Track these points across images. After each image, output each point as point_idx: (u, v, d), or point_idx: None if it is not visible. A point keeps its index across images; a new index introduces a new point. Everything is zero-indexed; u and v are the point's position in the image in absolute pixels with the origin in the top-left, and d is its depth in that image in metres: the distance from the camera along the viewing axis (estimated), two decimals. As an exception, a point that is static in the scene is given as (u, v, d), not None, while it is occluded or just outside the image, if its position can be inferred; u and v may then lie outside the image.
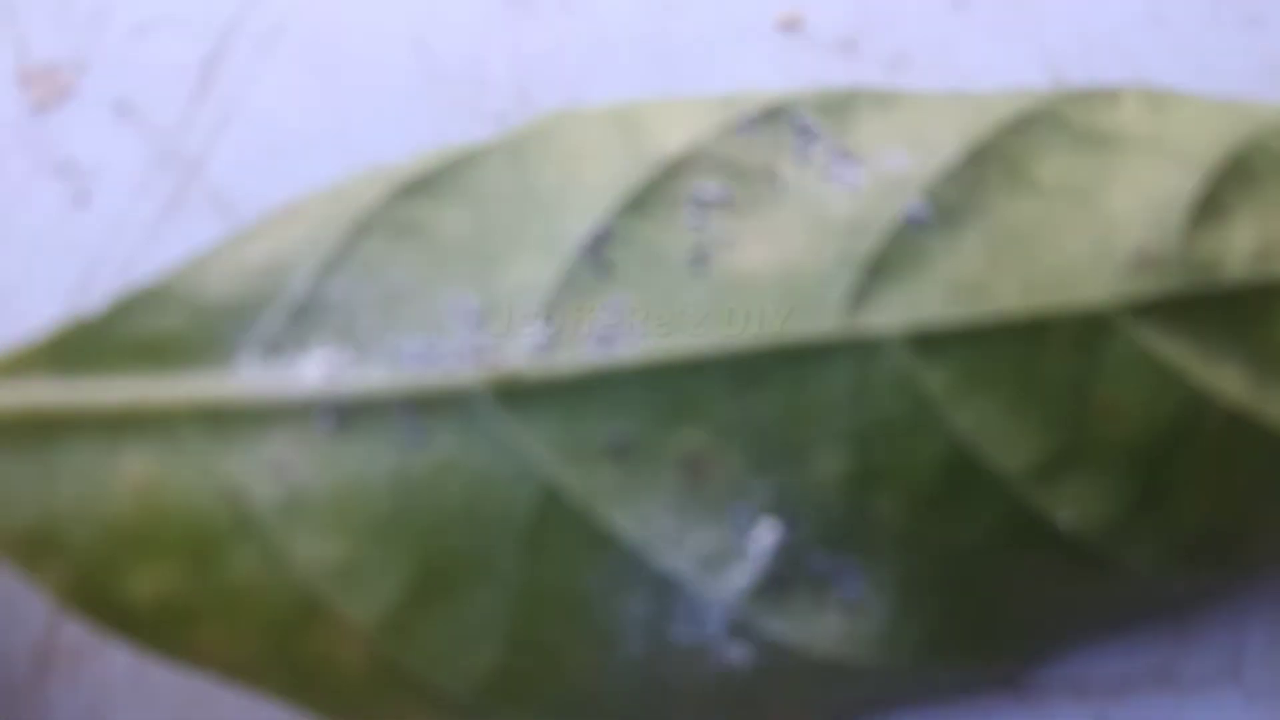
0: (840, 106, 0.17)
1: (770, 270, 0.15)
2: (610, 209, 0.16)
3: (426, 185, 0.16)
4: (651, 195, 0.16)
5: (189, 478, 0.15)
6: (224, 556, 0.15)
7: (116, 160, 0.19)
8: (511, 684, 0.15)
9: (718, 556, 0.15)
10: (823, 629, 0.15)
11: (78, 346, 0.15)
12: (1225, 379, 0.15)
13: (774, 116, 0.16)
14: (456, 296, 0.15)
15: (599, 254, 0.16)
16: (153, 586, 0.14)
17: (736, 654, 0.15)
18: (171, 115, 0.19)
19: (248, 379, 0.15)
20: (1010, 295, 0.15)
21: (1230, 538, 0.16)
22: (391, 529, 0.15)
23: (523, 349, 0.15)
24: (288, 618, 0.15)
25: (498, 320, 0.15)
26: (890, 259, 0.15)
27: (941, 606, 0.16)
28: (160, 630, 0.15)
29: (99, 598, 0.14)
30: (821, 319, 0.15)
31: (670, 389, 0.15)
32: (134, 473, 0.14)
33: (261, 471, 0.15)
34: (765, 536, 0.15)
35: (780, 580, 0.15)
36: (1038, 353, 0.15)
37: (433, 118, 0.20)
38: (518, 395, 0.15)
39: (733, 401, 0.15)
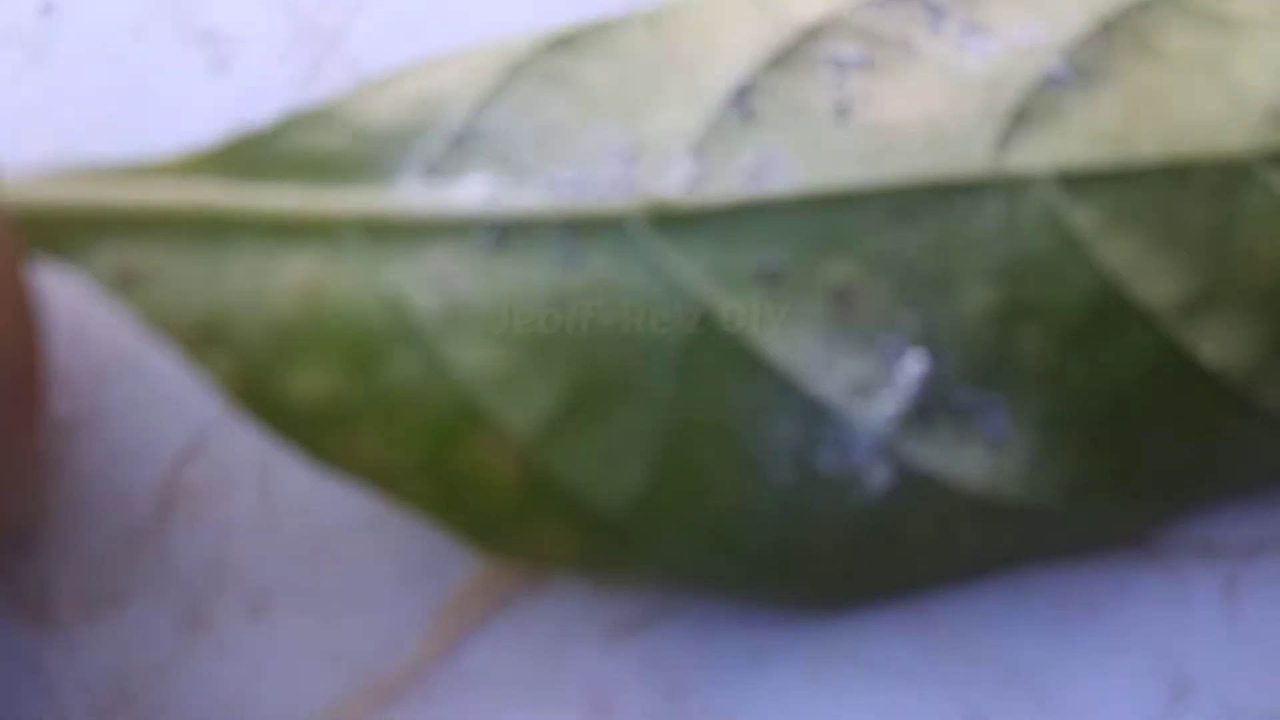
0: None
1: (914, 120, 0.16)
2: (752, 65, 0.16)
3: (572, 42, 0.16)
4: (791, 55, 0.16)
5: (351, 283, 0.15)
6: (384, 360, 0.15)
7: (257, 30, 0.19)
8: (659, 504, 0.15)
9: (866, 384, 0.15)
10: (967, 462, 0.15)
11: (244, 156, 0.15)
12: None
13: None
14: (607, 135, 0.16)
15: (744, 103, 0.16)
16: (314, 386, 0.15)
17: (881, 481, 0.15)
18: None
19: (409, 195, 0.15)
20: (1151, 145, 0.16)
21: None
22: (548, 342, 0.15)
23: (674, 181, 0.15)
24: (445, 423, 0.15)
25: (649, 156, 0.16)
26: (1032, 111, 0.16)
27: (1085, 446, 0.16)
28: (319, 431, 0.15)
29: (262, 393, 0.15)
30: (970, 159, 0.16)
31: (820, 221, 0.15)
32: (298, 275, 0.15)
33: (422, 281, 0.15)
34: (912, 366, 0.15)
35: (926, 411, 0.15)
36: (1179, 197, 0.16)
37: None
38: (670, 221, 0.15)
39: (883, 234, 0.15)
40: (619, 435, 0.15)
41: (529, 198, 0.15)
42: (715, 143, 0.16)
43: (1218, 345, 0.16)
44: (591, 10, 0.20)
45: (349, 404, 0.15)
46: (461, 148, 0.16)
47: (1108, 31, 0.17)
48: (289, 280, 0.15)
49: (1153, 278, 0.15)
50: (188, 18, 0.19)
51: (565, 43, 0.16)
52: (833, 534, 0.16)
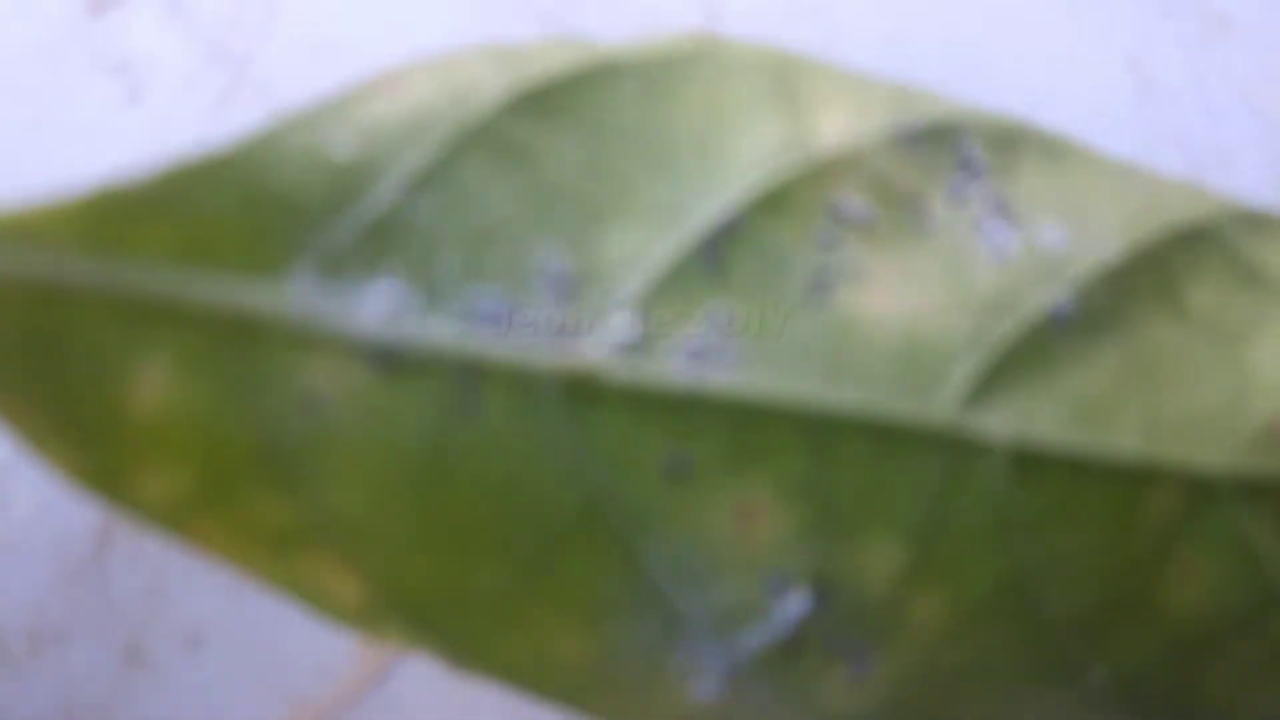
0: (1009, 143, 0.15)
1: (893, 324, 0.14)
2: (747, 195, 0.14)
3: (547, 98, 0.14)
4: (793, 193, 0.14)
5: (214, 394, 0.13)
6: (238, 477, 0.13)
7: (168, 58, 0.19)
8: (499, 652, 0.14)
9: (741, 612, 0.14)
10: (817, 700, 0.15)
11: (112, 217, 0.13)
12: None
13: (941, 136, 0.15)
14: (550, 251, 0.14)
15: (716, 251, 0.14)
16: (162, 488, 0.13)
17: (725, 697, 0.15)
18: (220, 14, 0.19)
19: (299, 298, 0.13)
20: (1129, 432, 0.14)
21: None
22: (419, 491, 0.14)
23: (607, 343, 0.14)
24: (292, 541, 0.14)
25: (588, 294, 0.14)
26: (1022, 354, 0.14)
27: (938, 709, 0.15)
28: (171, 524, 0.13)
29: (109, 486, 0.13)
30: (932, 405, 0.14)
31: (750, 429, 0.14)
32: (156, 376, 0.13)
33: (293, 402, 0.13)
34: (794, 605, 0.14)
35: (792, 647, 0.14)
36: (1137, 502, 0.14)
37: (477, 12, 0.19)
38: (589, 395, 0.14)
39: (810, 460, 0.14)
40: (472, 589, 0.14)
41: (438, 328, 0.13)
42: (668, 297, 0.14)
43: (1108, 666, 0.15)
44: (501, 27, 0.18)
45: (199, 507, 0.13)
46: (378, 240, 0.13)
47: (1137, 265, 0.15)
48: (145, 381, 0.13)
49: (1066, 585, 0.14)
50: (100, 47, 0.19)
51: (538, 98, 0.14)
52: (663, 715, 0.15)
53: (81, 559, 0.17)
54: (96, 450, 0.13)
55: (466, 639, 0.14)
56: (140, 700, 0.17)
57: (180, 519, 0.14)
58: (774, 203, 0.14)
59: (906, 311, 0.14)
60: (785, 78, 0.15)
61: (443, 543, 0.14)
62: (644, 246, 0.14)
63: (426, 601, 0.14)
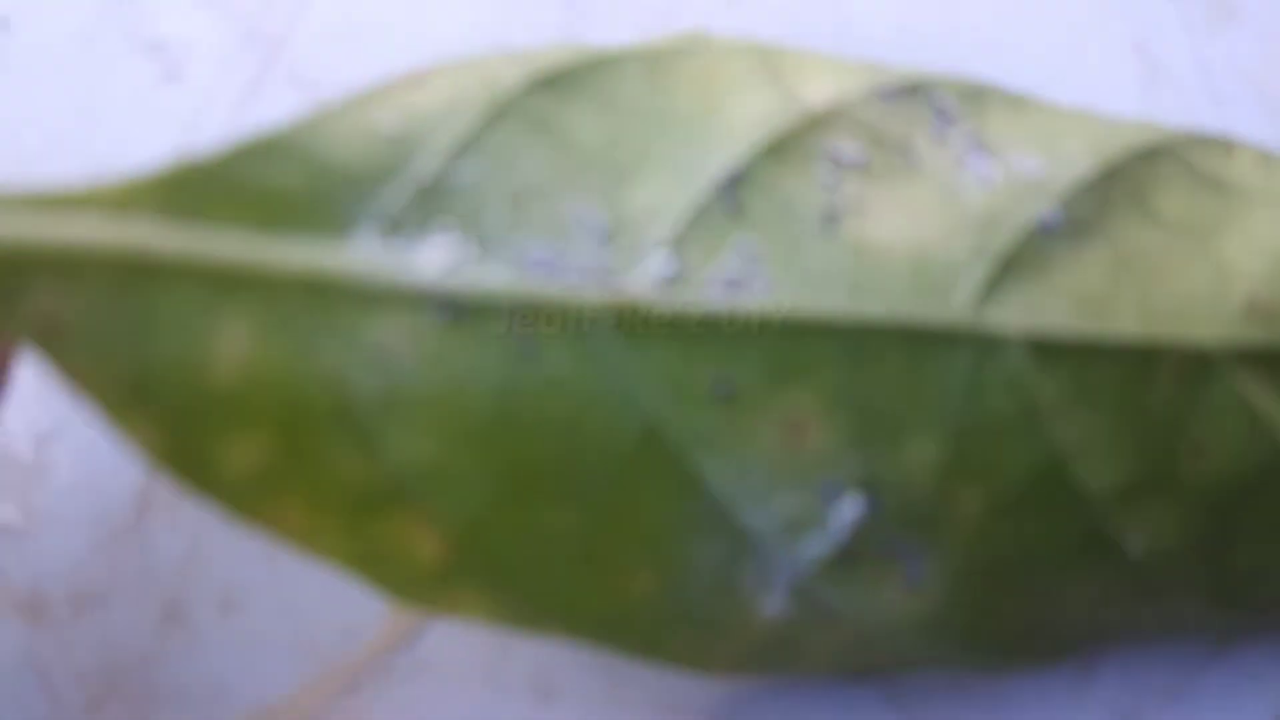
0: (977, 97, 0.17)
1: (902, 246, 0.15)
2: (751, 148, 0.15)
3: (562, 81, 0.15)
4: (792, 144, 0.15)
5: (291, 354, 0.14)
6: (317, 438, 0.14)
7: (203, 40, 0.20)
8: (574, 596, 0.15)
9: (798, 523, 0.15)
10: (878, 603, 0.15)
11: (187, 189, 0.14)
12: None
13: (915, 91, 0.16)
14: (585, 205, 0.15)
15: (734, 193, 0.15)
16: (244, 459, 0.14)
17: (792, 612, 0.15)
18: None
19: (364, 256, 0.14)
20: (1129, 319, 0.15)
21: (1274, 586, 0.16)
22: (488, 436, 0.14)
23: (648, 278, 0.15)
24: (371, 503, 0.14)
25: (624, 240, 0.15)
26: (1021, 260, 0.15)
27: (993, 602, 0.16)
28: (244, 499, 0.14)
29: (188, 460, 0.14)
30: (949, 308, 0.15)
31: (787, 347, 0.15)
32: (235, 341, 0.14)
33: (365, 357, 0.14)
34: (848, 510, 0.15)
35: (851, 553, 0.15)
36: (1145, 379, 0.15)
37: (504, 4, 0.20)
38: (636, 325, 0.14)
39: (847, 371, 0.15)
40: (544, 532, 0.15)
41: (494, 275, 0.14)
42: (697, 236, 0.15)
43: (1144, 535, 0.16)
44: (527, 20, 0.20)
45: (277, 475, 0.14)
46: (429, 201, 0.14)
47: (1109, 180, 0.16)
48: (225, 346, 0.14)
49: (1097, 461, 0.15)
50: (136, 28, 0.20)
51: (554, 81, 0.15)
52: (737, 644, 0.16)
53: (121, 525, 0.18)
54: (179, 422, 0.14)
55: (543, 587, 0.15)
56: (177, 659, 0.17)
57: (260, 493, 0.14)
58: (776, 152, 0.15)
59: (911, 234, 0.15)
60: (769, 60, 0.16)
61: (515, 487, 0.14)
62: (668, 197, 0.15)
63: (503, 551, 0.15)
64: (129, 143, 0.19)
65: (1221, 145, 0.17)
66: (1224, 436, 0.16)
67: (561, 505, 0.15)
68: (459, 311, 0.14)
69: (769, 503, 0.15)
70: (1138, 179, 0.16)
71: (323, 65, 0.20)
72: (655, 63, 0.16)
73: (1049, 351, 0.15)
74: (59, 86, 0.19)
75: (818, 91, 0.16)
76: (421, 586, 0.15)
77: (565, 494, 0.15)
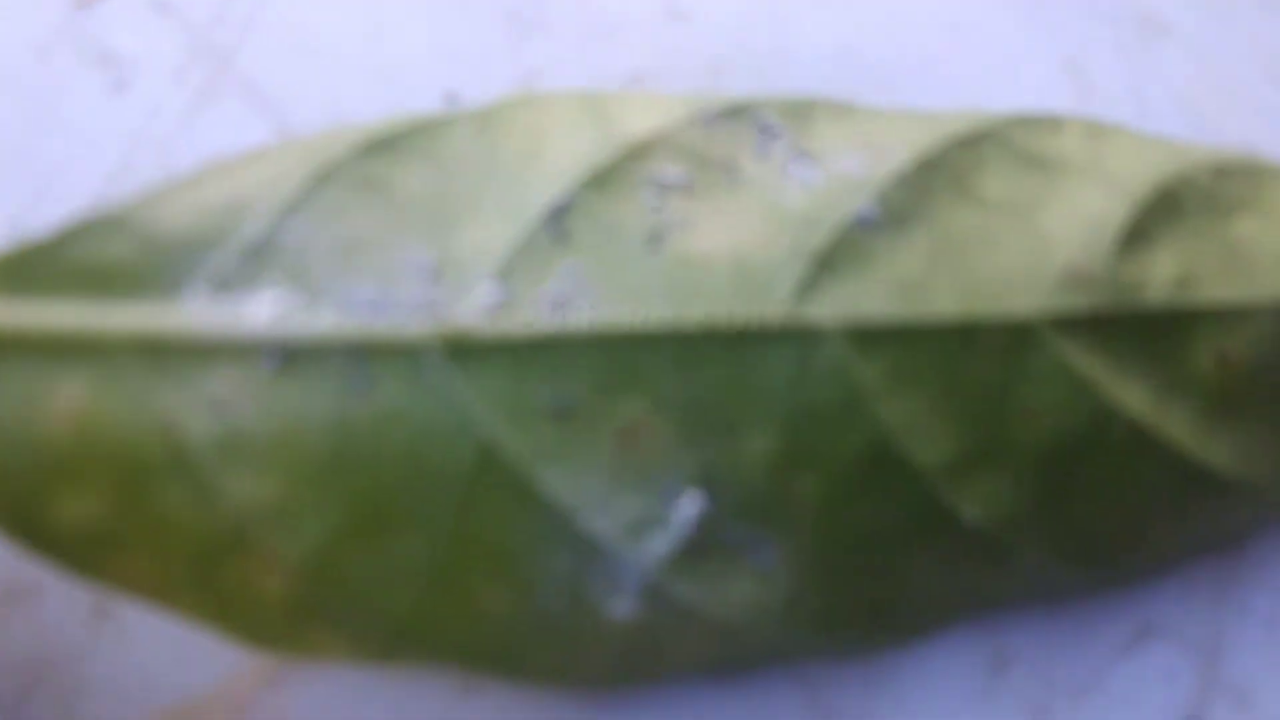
0: (801, 112, 0.17)
1: (723, 254, 0.16)
2: (573, 181, 0.16)
3: (392, 144, 0.16)
4: (614, 174, 0.16)
5: (125, 408, 0.15)
6: (154, 489, 0.15)
7: (153, 52, 0.20)
8: (428, 623, 0.16)
9: (640, 523, 0.16)
10: (730, 595, 0.16)
11: (25, 268, 0.15)
12: (1131, 395, 0.16)
13: (738, 113, 0.17)
14: (413, 251, 0.16)
15: (559, 223, 0.16)
16: (80, 513, 0.15)
17: (646, 613, 0.16)
18: (206, 9, 0.21)
19: (193, 313, 0.15)
20: (946, 298, 0.16)
21: (1118, 541, 0.17)
22: (327, 472, 0.15)
23: (475, 307, 0.15)
24: (214, 550, 0.15)
25: (452, 277, 0.15)
26: (838, 254, 0.16)
27: (843, 583, 0.16)
28: (85, 556, 0.15)
29: (26, 521, 0.14)
30: (769, 305, 0.16)
31: (616, 359, 0.15)
32: (71, 399, 0.14)
33: (200, 407, 0.15)
34: (688, 507, 0.16)
35: (697, 548, 0.16)
36: (966, 355, 0.16)
37: (456, 10, 0.20)
38: (466, 351, 0.15)
39: (675, 376, 0.16)
40: (392, 561, 0.15)
41: (320, 319, 0.15)
42: (523, 265, 0.16)
43: (980, 505, 0.16)
44: (484, 31, 0.19)
45: (116, 530, 0.15)
46: (256, 260, 0.15)
47: (927, 170, 0.17)
48: (61, 404, 0.14)
49: (927, 436, 0.16)
50: (88, 40, 0.20)
51: (385, 145, 0.16)
52: (597, 652, 0.16)
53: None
54: (13, 483, 0.15)
55: (397, 616, 0.16)
56: (106, 652, 0.18)
57: (101, 548, 0.15)
58: (600, 182, 0.16)
59: (732, 243, 0.16)
60: (593, 103, 0.17)
61: (358, 520, 0.15)
62: (495, 234, 0.16)
63: (352, 583, 0.15)
64: (78, 152, 0.20)
65: (1050, 123, 0.18)
66: (1049, 402, 0.16)
67: (406, 532, 0.15)
68: (289, 356, 0.15)
69: (609, 508, 0.15)
70: (959, 165, 0.17)
71: (272, 77, 0.20)
72: (485, 120, 0.17)
73: (868, 338, 0.16)
74: (9, 96, 0.20)
75: (639, 124, 0.17)
76: (273, 629, 0.15)
77: (409, 521, 0.15)
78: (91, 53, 0.20)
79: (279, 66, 0.20)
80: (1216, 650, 0.18)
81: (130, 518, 0.15)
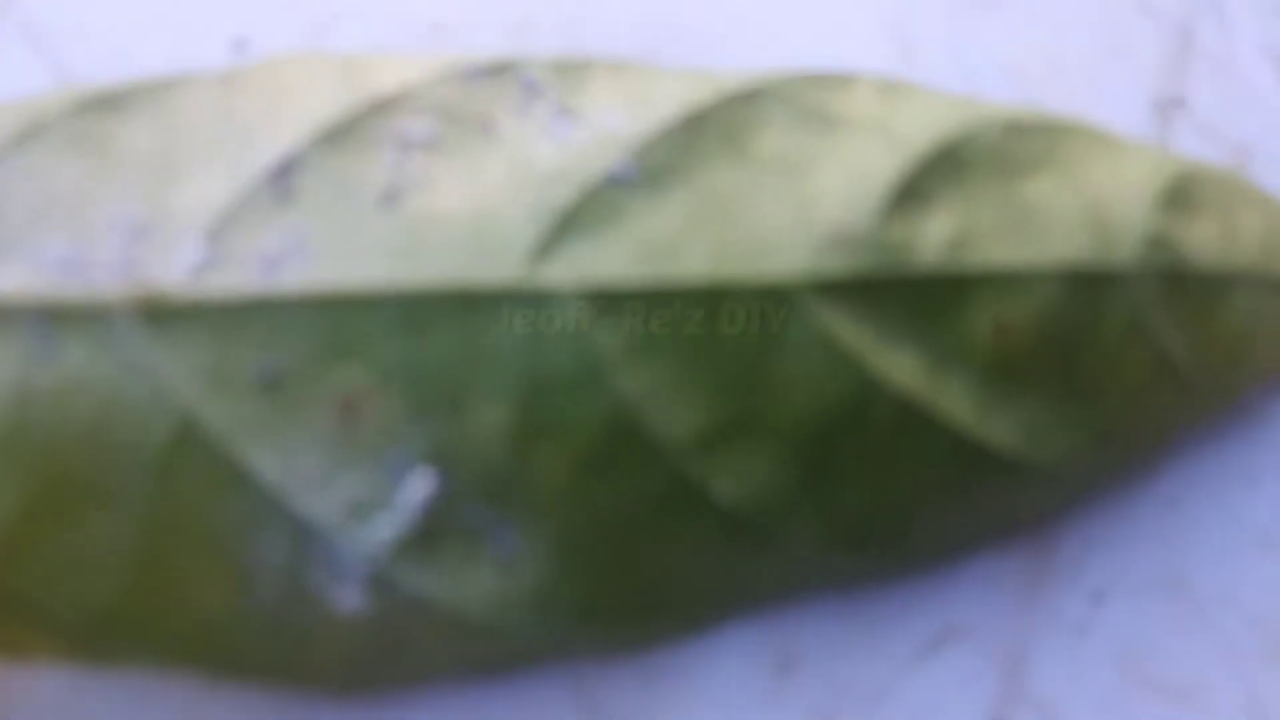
0: (575, 70, 0.16)
1: (460, 215, 0.15)
2: (304, 136, 0.15)
3: (119, 101, 0.15)
4: (354, 129, 0.15)
5: None
6: None
7: None
8: (134, 615, 0.14)
9: (365, 504, 0.14)
10: (471, 587, 0.15)
11: None
12: (901, 367, 0.15)
13: (501, 71, 0.16)
14: (121, 208, 0.14)
15: (284, 180, 0.15)
16: None
17: (377, 606, 0.15)
18: None
19: None
20: (698, 260, 0.15)
21: (893, 525, 0.16)
22: (9, 446, 0.14)
23: (178, 267, 0.14)
24: None
25: (159, 235, 0.14)
26: (585, 214, 0.15)
27: (598, 571, 0.15)
28: None
29: None
30: (501, 268, 0.15)
31: (333, 323, 0.14)
32: None
33: None
34: (418, 486, 0.14)
35: (431, 533, 0.15)
36: (716, 321, 0.15)
37: None
38: (164, 316, 0.14)
39: (399, 342, 0.14)
40: (86, 543, 0.14)
41: (4, 276, 0.14)
42: (238, 224, 0.14)
43: (733, 482, 0.15)
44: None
45: None
46: None
47: (696, 125, 0.16)
48: None
49: (672, 409, 0.15)
50: None
51: (110, 103, 0.15)
52: (325, 649, 0.15)
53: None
54: None
55: (102, 608, 0.14)
56: None
57: None
58: (334, 138, 0.15)
59: (473, 202, 0.15)
60: (349, 63, 0.16)
61: (45, 497, 0.14)
62: (213, 191, 0.15)
63: (45, 570, 0.14)
64: None
65: (840, 80, 0.17)
66: (808, 372, 0.15)
67: (100, 512, 0.14)
68: None
69: (327, 488, 0.14)
70: (733, 122, 0.16)
71: (54, 20, 0.19)
72: (228, 80, 0.15)
73: (609, 302, 0.15)
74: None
75: (386, 79, 0.15)
76: None
77: (102, 499, 0.14)
78: None
79: (61, 9, 0.19)
80: (1021, 657, 0.17)
81: None
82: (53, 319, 0.14)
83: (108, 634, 0.14)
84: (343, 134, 0.15)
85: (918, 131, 0.16)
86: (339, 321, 0.14)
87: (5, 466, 0.14)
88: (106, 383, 0.14)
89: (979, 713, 0.17)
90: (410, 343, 0.14)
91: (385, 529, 0.14)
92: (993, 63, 0.20)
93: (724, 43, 0.20)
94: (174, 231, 0.14)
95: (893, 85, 0.17)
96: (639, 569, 0.15)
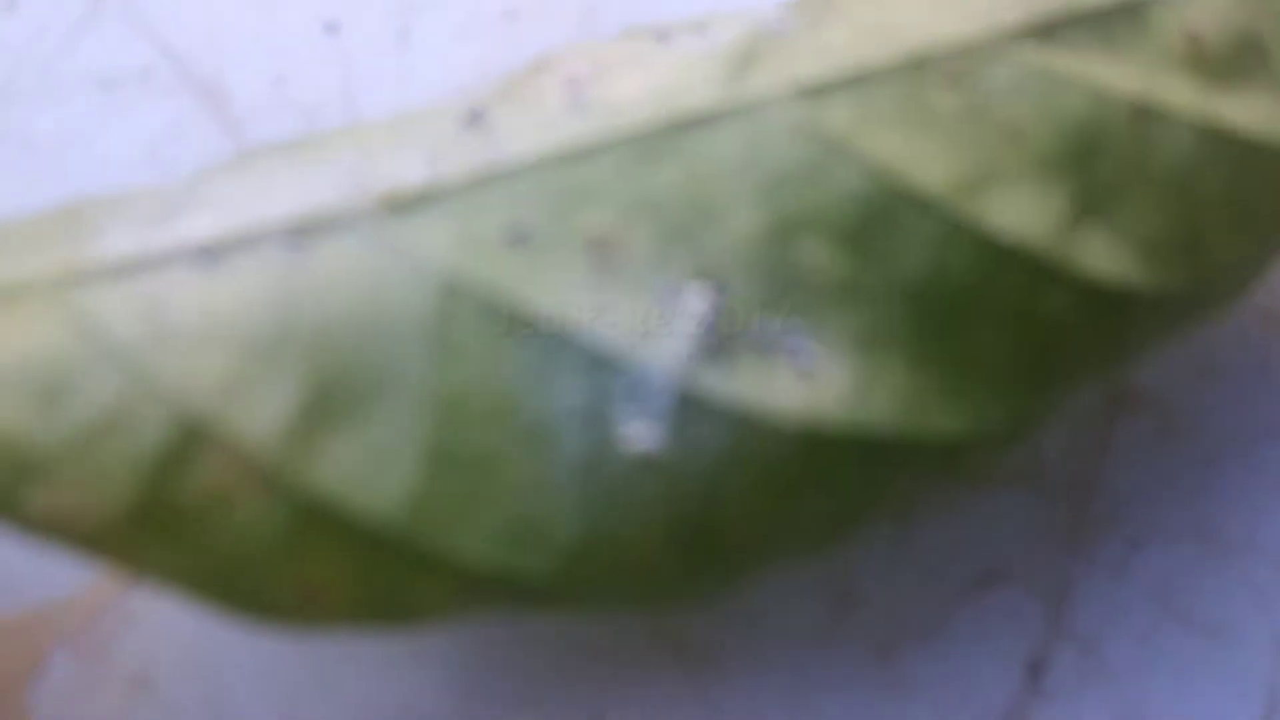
0: None
1: (641, 89, 0.15)
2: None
3: None
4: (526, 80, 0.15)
5: (36, 308, 0.12)
6: (78, 388, 0.12)
7: None
8: (441, 500, 0.13)
9: (648, 326, 0.14)
10: (780, 392, 0.14)
11: None
12: (1123, 79, 0.15)
13: None
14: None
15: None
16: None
17: (686, 437, 0.14)
18: None
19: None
20: (881, 53, 0.15)
21: (1186, 241, 0.15)
22: (277, 344, 0.13)
23: (406, 166, 0.14)
24: (163, 449, 0.12)
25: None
26: (758, 52, 0.15)
27: (905, 355, 0.14)
28: (3, 487, 0.12)
29: None
30: (700, 95, 0.15)
31: (559, 178, 0.14)
32: None
33: (124, 307, 0.13)
34: (694, 302, 0.14)
35: (723, 347, 0.14)
36: (924, 87, 0.15)
37: None
38: (404, 206, 0.14)
39: (627, 182, 0.14)
40: (376, 430, 0.13)
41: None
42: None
43: (1008, 217, 0.14)
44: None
45: (37, 447, 0.12)
46: None
47: None
48: None
49: (923, 164, 0.14)
50: None
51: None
52: (647, 513, 0.14)
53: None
54: None
55: (407, 508, 0.13)
56: None
57: (15, 473, 0.12)
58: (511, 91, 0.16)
59: (647, 82, 0.15)
60: None
61: (330, 398, 0.13)
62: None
63: (342, 472, 0.13)
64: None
65: None
66: (1036, 110, 0.15)
67: (383, 397, 0.13)
68: (215, 253, 0.14)
69: (607, 315, 0.14)
70: None
71: (155, 1, 0.21)
72: None
73: (818, 94, 0.15)
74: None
75: None
76: (252, 564, 0.13)
77: (383, 384, 0.13)
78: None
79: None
80: (1063, 598, 0.18)
81: (52, 427, 0.12)
82: (300, 225, 0.14)
83: (410, 534, 0.13)
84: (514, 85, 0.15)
85: None
86: (564, 175, 0.14)
87: (279, 365, 0.13)
88: (362, 269, 0.13)
89: (1024, 647, 0.18)
90: (638, 180, 0.14)
91: (677, 342, 0.14)
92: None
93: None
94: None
95: None
96: (948, 342, 0.14)
